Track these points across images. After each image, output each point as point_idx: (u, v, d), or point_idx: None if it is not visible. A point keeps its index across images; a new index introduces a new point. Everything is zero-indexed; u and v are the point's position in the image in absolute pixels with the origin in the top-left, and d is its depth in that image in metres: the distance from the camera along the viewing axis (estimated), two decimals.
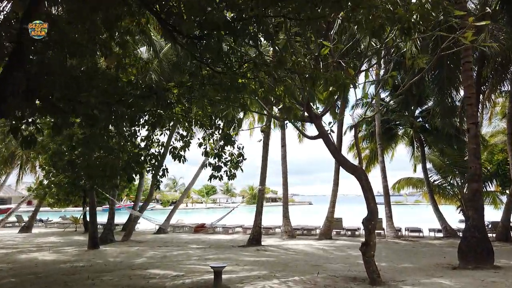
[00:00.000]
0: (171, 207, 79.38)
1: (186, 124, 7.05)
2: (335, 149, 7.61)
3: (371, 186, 7.52)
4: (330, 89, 4.75)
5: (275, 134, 20.35)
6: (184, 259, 11.60)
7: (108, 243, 16.04)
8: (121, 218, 32.66)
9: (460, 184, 22.83)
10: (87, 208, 24.43)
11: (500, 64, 17.11)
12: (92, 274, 8.78)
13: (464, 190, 22.73)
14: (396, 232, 18.84)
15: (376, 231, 20.14)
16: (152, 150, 8.18)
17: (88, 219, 18.58)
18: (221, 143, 7.26)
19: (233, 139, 7.21)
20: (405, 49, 10.02)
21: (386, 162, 23.76)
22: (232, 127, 8.41)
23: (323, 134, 7.64)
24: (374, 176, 25.31)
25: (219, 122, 7.96)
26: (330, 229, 18.43)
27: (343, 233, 21.64)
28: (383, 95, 24.71)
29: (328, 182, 18.47)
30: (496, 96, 19.90)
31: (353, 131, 25.71)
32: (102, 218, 21.53)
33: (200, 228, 15.88)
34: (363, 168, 26.23)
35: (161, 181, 8.14)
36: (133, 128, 6.94)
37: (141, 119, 6.31)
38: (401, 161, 32.05)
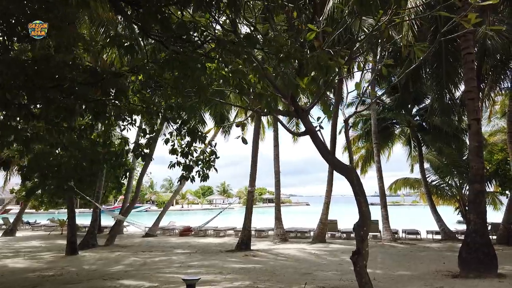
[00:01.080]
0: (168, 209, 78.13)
1: (147, 117, 6.23)
2: (324, 147, 6.82)
3: (363, 189, 6.74)
4: (312, 74, 4.01)
5: (270, 134, 19.65)
6: (165, 266, 10.81)
7: (89, 248, 15.21)
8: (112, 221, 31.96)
9: (458, 184, 22.17)
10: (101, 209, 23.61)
11: (500, 60, 16.44)
12: (57, 285, 7.97)
13: (463, 191, 22.10)
14: (392, 234, 18.09)
15: (372, 233, 19.66)
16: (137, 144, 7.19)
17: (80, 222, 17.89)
18: (188, 139, 6.43)
19: (203, 134, 6.40)
20: (401, 36, 9.21)
21: (382, 162, 23.00)
22: (195, 124, 7.53)
23: (310, 131, 6.85)
24: (371, 177, 24.58)
25: (187, 115, 7.04)
26: (324, 232, 17.65)
27: (339, 235, 20.91)
28: (379, 93, 24.01)
29: (326, 182, 17.65)
30: (495, 94, 19.19)
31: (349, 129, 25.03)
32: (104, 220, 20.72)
33: (186, 232, 15.07)
34: (358, 168, 25.67)
35: (124, 184, 7.32)
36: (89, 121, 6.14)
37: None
38: (398, 161, 31.33)
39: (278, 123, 21.23)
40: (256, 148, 14.72)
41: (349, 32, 10.68)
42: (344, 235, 20.81)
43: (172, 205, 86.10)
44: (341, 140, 25.44)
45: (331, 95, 20.70)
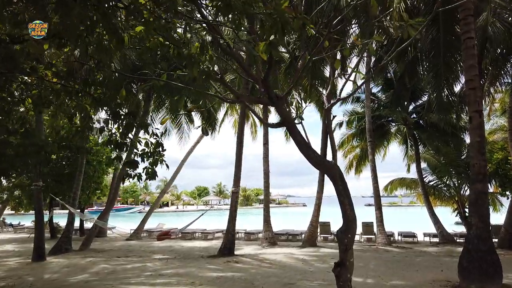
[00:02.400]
0: (162, 210, 77.06)
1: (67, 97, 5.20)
2: (302, 141, 5.83)
3: (348, 189, 5.76)
4: (265, 36, 3.04)
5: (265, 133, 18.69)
6: (134, 275, 9.79)
7: (62, 252, 14.17)
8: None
9: (457, 185, 21.23)
10: (54, 211, 22.54)
11: (500, 53, 15.52)
12: None
13: (462, 192, 21.15)
14: (387, 238, 17.11)
15: (366, 236, 18.67)
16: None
17: (63, 223, 16.89)
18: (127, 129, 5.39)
19: (147, 123, 5.40)
20: (391, 10, 8.22)
21: (378, 162, 22.05)
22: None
23: (287, 121, 5.87)
24: (366, 178, 23.59)
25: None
26: (315, 235, 16.66)
27: (332, 238, 19.93)
28: (374, 89, 23.06)
29: (324, 183, 16.61)
30: (495, 90, 18.26)
31: (342, 128, 24.05)
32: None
33: (163, 236, 14.04)
34: (353, 168, 24.67)
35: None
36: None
37: None
38: (394, 161, 30.39)
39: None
40: (240, 146, 13.72)
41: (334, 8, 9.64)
42: None
43: (167, 206, 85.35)
44: (336, 138, 24.47)
45: (324, 91, 19.77)
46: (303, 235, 18.19)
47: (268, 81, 5.75)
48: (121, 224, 26.50)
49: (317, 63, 12.75)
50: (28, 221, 30.79)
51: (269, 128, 19.45)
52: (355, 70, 8.43)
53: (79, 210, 16.26)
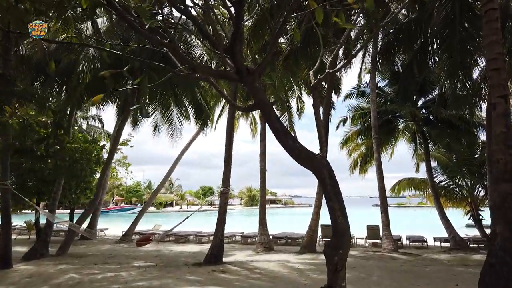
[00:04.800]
0: (165, 210, 76.05)
1: None
2: (280, 127, 4.49)
3: (338, 189, 4.41)
4: None
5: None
6: (101, 287, 8.51)
7: (37, 258, 12.96)
8: (109, 224, 29.61)
9: (470, 185, 19.74)
10: (40, 212, 21.35)
11: None
12: None
13: (475, 193, 19.65)
14: (394, 243, 15.64)
15: (372, 241, 17.20)
16: None
17: (43, 224, 15.73)
18: None
19: None
20: None
21: (384, 161, 20.62)
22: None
23: (262, 103, 4.53)
24: (374, 178, 22.20)
25: None
26: (314, 240, 15.28)
27: None
28: (381, 83, 21.61)
29: None
30: None
31: (347, 124, 22.63)
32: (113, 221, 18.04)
33: (143, 242, 12.75)
34: (357, 167, 23.18)
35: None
36: None
37: None
38: (402, 161, 28.89)
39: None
40: (230, 142, 12.37)
41: None
42: None
43: (171, 206, 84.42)
44: (338, 135, 22.99)
45: (324, 84, 18.37)
46: (303, 239, 16.82)
47: (236, 49, 4.41)
48: (123, 224, 25.30)
49: (311, 42, 11.40)
50: (19, 221, 29.80)
51: (266, 125, 18.13)
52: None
53: (46, 210, 14.99)
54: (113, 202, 73.95)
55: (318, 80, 4.61)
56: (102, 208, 69.90)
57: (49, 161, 15.35)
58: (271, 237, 16.96)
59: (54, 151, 13.13)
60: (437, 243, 18.60)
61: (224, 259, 12.37)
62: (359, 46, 18.99)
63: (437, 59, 14.26)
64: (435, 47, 12.67)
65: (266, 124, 18.07)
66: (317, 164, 4.45)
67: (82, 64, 13.08)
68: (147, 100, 13.32)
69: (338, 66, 5.05)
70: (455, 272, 10.70)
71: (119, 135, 16.38)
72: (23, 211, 25.48)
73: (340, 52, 17.47)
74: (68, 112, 15.70)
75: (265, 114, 4.56)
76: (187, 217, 13.12)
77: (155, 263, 12.21)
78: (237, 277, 9.78)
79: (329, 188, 4.38)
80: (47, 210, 14.90)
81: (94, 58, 13.11)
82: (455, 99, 11.13)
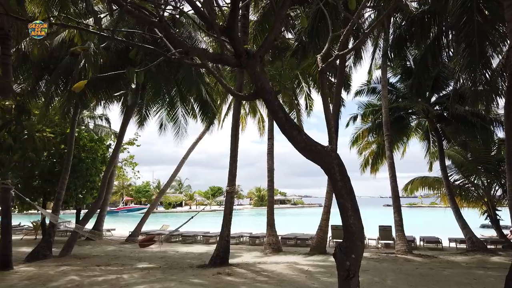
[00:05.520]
0: (175, 210, 76.01)
1: None
2: (284, 117, 4.02)
3: (350, 185, 3.93)
4: None
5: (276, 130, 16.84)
6: None
7: (39, 259, 12.66)
8: (115, 224, 29.44)
9: (486, 184, 19.00)
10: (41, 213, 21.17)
11: None
12: None
13: (492, 192, 18.91)
14: (408, 244, 15.04)
15: (384, 242, 16.58)
16: None
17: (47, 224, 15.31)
18: None
19: None
20: None
21: (396, 160, 19.93)
22: None
23: (263, 90, 4.06)
24: (385, 177, 21.52)
25: None
26: (324, 241, 14.75)
27: None
28: (392, 80, 20.97)
29: None
30: None
31: (357, 122, 22.02)
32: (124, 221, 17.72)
33: (146, 243, 12.31)
34: (368, 166, 22.56)
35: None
36: None
37: None
38: (413, 160, 28.17)
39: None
40: (235, 138, 11.91)
41: None
42: None
43: (181, 206, 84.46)
44: (347, 135, 22.36)
45: (332, 79, 17.85)
46: (312, 240, 16.30)
47: (235, 30, 3.94)
48: (132, 224, 24.98)
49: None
50: (28, 221, 29.78)
51: (273, 123, 17.63)
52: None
53: (49, 211, 14.60)
54: (123, 202, 74.18)
55: (327, 63, 4.13)
56: (112, 208, 70.34)
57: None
58: (279, 237, 16.47)
59: (21, 140, 11.51)
60: (452, 244, 17.93)
61: (230, 261, 11.92)
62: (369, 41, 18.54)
63: (451, 52, 13.71)
64: (450, 38, 12.06)
65: (274, 122, 17.61)
66: (326, 158, 3.96)
67: (83, 60, 12.75)
68: (135, 86, 12.41)
69: (350, 47, 4.58)
70: (475, 275, 10.08)
71: (123, 133, 16.03)
72: (30, 211, 25.49)
73: (350, 45, 16.98)
74: (72, 110, 15.41)
75: (267, 103, 4.08)
76: (192, 217, 12.71)
77: (159, 264, 11.81)
78: (243, 280, 9.32)
79: (339, 185, 3.89)
80: (50, 211, 14.57)
81: (95, 53, 12.76)
82: (473, 93, 10.49)
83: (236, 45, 3.94)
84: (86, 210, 16.75)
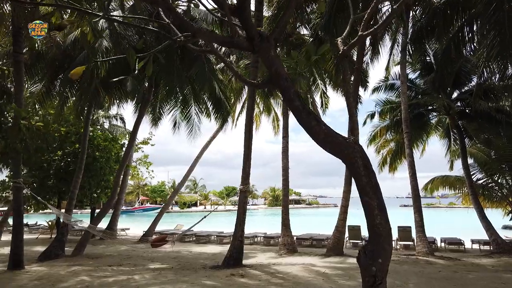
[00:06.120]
0: (189, 210, 76.22)
1: None
2: (300, 106, 3.64)
3: (376, 180, 3.52)
4: None
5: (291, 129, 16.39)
6: None
7: (51, 258, 12.55)
8: (130, 223, 29.53)
9: (511, 183, 18.18)
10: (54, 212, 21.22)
11: None
12: None
13: None
14: (429, 245, 14.44)
15: (403, 243, 15.99)
16: None
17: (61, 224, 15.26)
18: None
19: None
20: None
21: (415, 159, 19.28)
22: None
23: (278, 75, 3.69)
24: (401, 178, 20.82)
25: None
26: (342, 241, 14.27)
27: (362, 244, 17.44)
28: (411, 75, 20.31)
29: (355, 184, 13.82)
30: None
31: (375, 119, 21.42)
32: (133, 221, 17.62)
33: (158, 243, 12.03)
34: (386, 164, 21.92)
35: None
36: None
37: None
38: (432, 158, 27.41)
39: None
40: (249, 135, 11.54)
41: None
42: None
43: (196, 206, 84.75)
44: (363, 133, 21.84)
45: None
46: (329, 240, 15.83)
47: (247, 10, 3.58)
48: (147, 224, 24.91)
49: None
50: (45, 220, 30.05)
51: (289, 119, 17.21)
52: None
53: (63, 210, 14.47)
54: (139, 202, 74.85)
55: (349, 45, 3.72)
56: (128, 207, 70.72)
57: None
58: (294, 238, 16.06)
59: (5, 129, 10.65)
60: (475, 246, 17.23)
61: (244, 262, 11.58)
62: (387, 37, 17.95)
63: (474, 45, 13.09)
64: (475, 28, 11.47)
65: (288, 120, 17.20)
66: (348, 150, 3.56)
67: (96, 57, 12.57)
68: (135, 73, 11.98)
69: (374, 28, 4.19)
70: (503, 279, 9.50)
71: (136, 130, 15.85)
72: (46, 210, 25.65)
73: (367, 42, 16.45)
74: (86, 109, 15.31)
75: (282, 90, 3.71)
76: (204, 217, 12.41)
77: (171, 265, 11.54)
78: (257, 283, 8.95)
79: (364, 181, 3.48)
80: (63, 210, 14.47)
81: (108, 50, 12.58)
82: (503, 87, 9.90)
83: (248, 27, 3.57)
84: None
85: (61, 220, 13.80)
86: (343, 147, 3.59)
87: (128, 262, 12.25)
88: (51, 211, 27.29)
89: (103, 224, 23.82)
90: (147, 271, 10.56)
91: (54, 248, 13.07)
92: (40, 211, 23.13)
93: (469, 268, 11.24)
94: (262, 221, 47.91)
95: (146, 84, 15.57)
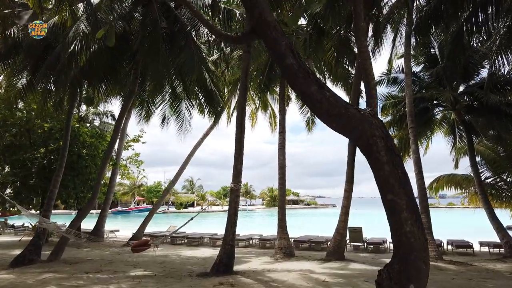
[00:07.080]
0: (186, 210, 75.10)
1: None
2: (296, 64, 2.54)
3: (403, 169, 2.42)
4: None
5: (289, 126, 15.29)
6: None
7: (24, 264, 11.41)
8: (124, 224, 28.25)
9: None
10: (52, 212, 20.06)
11: None
12: None
13: None
14: (437, 248, 13.37)
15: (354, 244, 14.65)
16: None
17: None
18: None
19: None
20: None
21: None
22: None
23: (263, 23, 2.60)
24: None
25: None
26: (342, 245, 13.18)
27: (364, 247, 16.48)
28: (416, 68, 19.24)
29: (356, 183, 12.85)
30: None
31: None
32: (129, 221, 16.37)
33: (139, 247, 10.93)
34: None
35: None
36: None
37: None
38: (435, 157, 26.30)
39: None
40: (241, 129, 10.44)
41: None
42: (371, 247, 16.36)
43: (192, 207, 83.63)
44: None
45: (350, 68, 16.29)
46: (328, 243, 14.76)
47: None
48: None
49: None
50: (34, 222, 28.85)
51: (285, 116, 16.09)
52: None
53: (37, 212, 13.36)
54: (135, 202, 73.71)
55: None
56: (124, 208, 69.56)
57: None
58: (292, 241, 14.98)
59: None
60: (484, 249, 16.22)
61: (236, 267, 10.48)
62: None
63: (483, 34, 12.06)
64: (489, 12, 10.44)
65: (286, 115, 16.09)
66: (363, 125, 2.47)
67: (74, 44, 11.42)
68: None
69: None
70: None
71: (119, 124, 14.70)
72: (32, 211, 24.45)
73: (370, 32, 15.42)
74: (66, 102, 14.21)
75: (270, 42, 2.62)
76: (192, 218, 11.29)
77: (154, 272, 10.42)
78: None
79: (386, 170, 2.42)
80: (33, 211, 13.33)
81: (87, 36, 11.43)
82: None
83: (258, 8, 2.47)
84: (97, 211, 15.58)
85: (32, 224, 12.64)
86: (356, 122, 2.50)
87: (108, 268, 11.11)
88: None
89: (91, 225, 22.78)
90: (126, 279, 9.43)
91: (28, 252, 11.92)
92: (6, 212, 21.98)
93: (484, 275, 10.16)
94: (259, 222, 46.86)
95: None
